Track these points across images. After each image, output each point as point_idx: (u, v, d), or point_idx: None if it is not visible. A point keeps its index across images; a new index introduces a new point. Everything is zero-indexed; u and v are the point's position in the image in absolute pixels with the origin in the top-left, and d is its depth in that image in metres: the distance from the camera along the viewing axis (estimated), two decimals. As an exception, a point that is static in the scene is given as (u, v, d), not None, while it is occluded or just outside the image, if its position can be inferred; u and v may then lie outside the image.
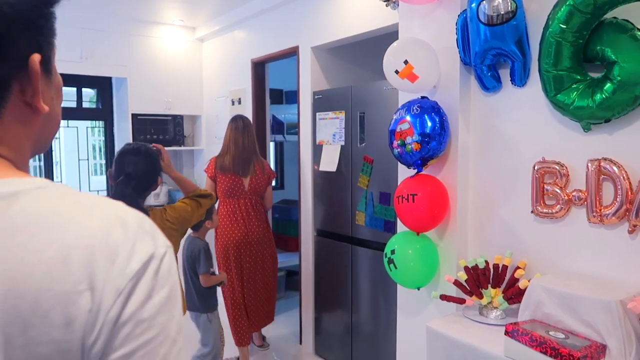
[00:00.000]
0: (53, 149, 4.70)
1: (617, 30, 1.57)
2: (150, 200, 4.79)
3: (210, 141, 5.00)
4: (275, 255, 3.60)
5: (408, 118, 2.02)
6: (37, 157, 4.74)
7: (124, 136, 4.77)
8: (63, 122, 4.84)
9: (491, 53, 1.88)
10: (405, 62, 2.00)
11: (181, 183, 2.44)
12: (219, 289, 3.20)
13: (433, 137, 1.98)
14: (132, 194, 2.01)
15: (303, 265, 3.71)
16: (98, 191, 5.07)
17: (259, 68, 4.25)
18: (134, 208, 0.61)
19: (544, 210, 1.80)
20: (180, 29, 4.91)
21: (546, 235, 1.83)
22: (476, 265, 1.91)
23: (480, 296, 1.88)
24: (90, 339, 0.52)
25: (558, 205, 1.76)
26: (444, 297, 1.95)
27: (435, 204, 2.03)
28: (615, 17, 1.58)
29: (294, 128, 4.93)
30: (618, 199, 1.58)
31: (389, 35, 2.70)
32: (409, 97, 2.15)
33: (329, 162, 3.30)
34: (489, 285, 1.88)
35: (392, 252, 2.10)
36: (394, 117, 2.10)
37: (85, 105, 4.98)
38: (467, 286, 1.91)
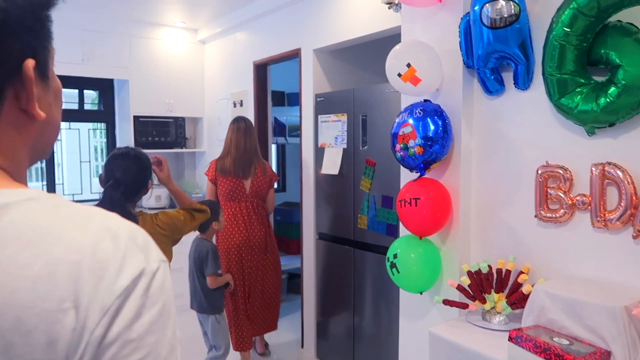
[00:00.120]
0: (55, 150, 4.69)
1: (621, 33, 1.55)
2: (152, 202, 4.79)
3: (211, 143, 5.00)
4: (278, 261, 3.53)
5: (411, 121, 2.01)
6: (38, 159, 4.74)
7: (125, 138, 4.77)
8: (65, 124, 4.84)
9: (494, 56, 1.87)
10: (408, 65, 1.99)
11: (178, 197, 2.39)
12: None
13: (436, 140, 1.97)
14: (121, 199, 1.98)
15: (305, 269, 3.70)
16: (99, 193, 5.06)
17: (261, 70, 4.25)
18: (122, 213, 0.58)
19: (548, 215, 1.79)
20: (182, 30, 4.91)
21: (550, 239, 1.81)
22: (479, 269, 1.90)
23: (484, 301, 1.86)
24: (73, 359, 0.50)
25: (562, 210, 1.75)
26: (446, 302, 1.93)
27: (437, 208, 2.02)
28: (619, 21, 1.57)
29: (296, 130, 4.93)
30: (622, 204, 1.57)
31: (392, 38, 2.69)
32: (412, 100, 2.14)
33: (331, 165, 3.28)
34: (492, 290, 1.87)
35: (395, 256, 2.09)
36: (397, 120, 2.09)
37: (87, 107, 4.98)
38: (470, 291, 1.89)
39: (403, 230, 2.28)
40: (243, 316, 3.37)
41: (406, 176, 2.24)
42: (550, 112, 1.79)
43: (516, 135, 1.92)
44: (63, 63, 4.17)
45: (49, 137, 0.65)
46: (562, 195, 1.74)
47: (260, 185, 3.37)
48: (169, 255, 2.26)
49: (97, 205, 1.52)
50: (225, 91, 4.69)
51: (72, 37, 4.27)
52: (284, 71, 4.64)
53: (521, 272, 1.83)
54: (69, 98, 4.87)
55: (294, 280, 4.87)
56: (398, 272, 2.07)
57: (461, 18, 1.99)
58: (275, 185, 4.66)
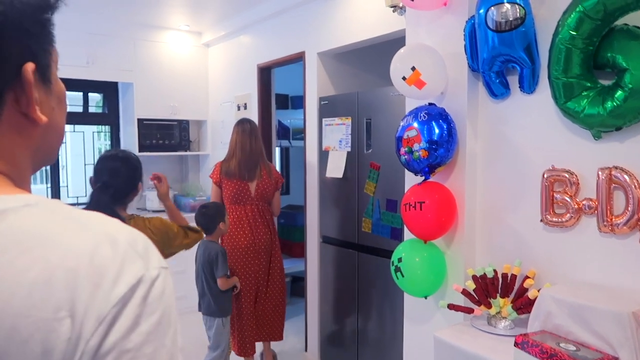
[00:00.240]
0: (59, 153, 4.70)
1: (628, 37, 1.54)
2: (156, 204, 4.79)
3: (215, 146, 5.00)
4: (282, 266, 3.50)
5: (415, 125, 2.00)
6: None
7: (130, 141, 4.78)
8: (69, 127, 4.86)
9: (499, 59, 1.86)
10: (413, 68, 1.98)
11: (173, 215, 2.34)
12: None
13: (441, 144, 1.96)
14: (109, 202, 1.94)
15: (309, 272, 3.69)
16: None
17: (265, 73, 4.25)
18: (110, 216, 0.57)
19: (554, 219, 1.78)
20: (186, 34, 4.92)
21: (556, 244, 1.80)
22: (484, 274, 1.88)
23: (489, 306, 1.85)
24: None
25: (568, 214, 1.73)
26: (452, 307, 1.92)
27: (442, 212, 2.01)
28: (626, 24, 1.56)
29: (300, 133, 4.93)
30: (629, 209, 1.56)
31: (396, 41, 2.68)
32: (416, 104, 2.14)
33: (335, 168, 3.28)
34: (498, 295, 1.86)
35: (399, 260, 2.08)
36: (401, 123, 2.09)
37: (91, 109, 5.00)
38: (475, 295, 1.88)
39: (407, 234, 2.27)
40: (247, 320, 3.33)
41: (411, 180, 2.23)
42: (556, 116, 1.78)
43: (522, 139, 1.91)
44: (67, 66, 4.19)
45: (52, 142, 0.64)
46: (568, 200, 1.73)
47: (266, 188, 3.33)
48: None
49: (85, 209, 1.51)
50: (229, 94, 4.70)
51: (76, 40, 4.28)
52: (287, 74, 4.64)
53: (527, 277, 1.81)
54: (74, 101, 4.89)
55: (298, 283, 4.86)
56: (403, 276, 2.06)
57: (466, 21, 1.98)
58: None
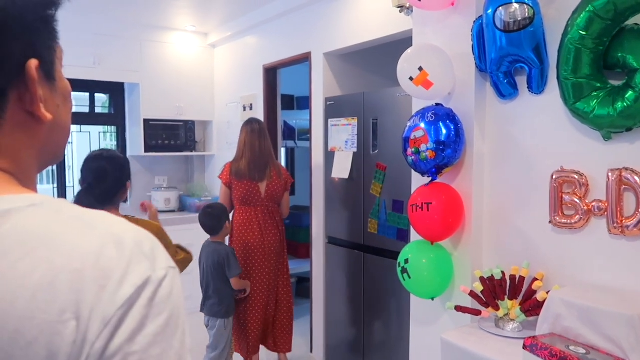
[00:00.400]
0: (65, 153, 4.71)
1: (638, 37, 1.53)
2: (161, 205, 4.80)
3: (221, 147, 5.00)
4: (287, 269, 3.44)
5: (422, 125, 1.99)
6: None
7: (136, 141, 4.79)
8: (75, 127, 4.87)
9: (508, 60, 1.84)
10: (420, 68, 1.97)
11: (160, 236, 2.30)
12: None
13: (448, 144, 1.95)
14: (94, 204, 1.89)
15: (314, 273, 3.68)
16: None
17: (271, 74, 4.25)
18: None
19: (563, 221, 1.76)
20: (192, 34, 4.92)
21: (565, 246, 1.78)
22: (492, 276, 1.87)
23: (497, 308, 1.84)
24: None
25: (577, 216, 1.72)
26: (459, 309, 1.91)
27: (450, 213, 2.00)
28: (636, 24, 1.54)
29: (306, 134, 4.92)
30: (640, 210, 1.54)
31: (402, 42, 2.67)
32: (423, 104, 2.13)
33: (341, 168, 3.27)
34: (506, 297, 1.84)
35: (406, 261, 2.07)
36: (408, 124, 2.08)
37: (97, 110, 5.01)
38: (483, 297, 1.87)
39: (414, 235, 2.26)
40: (254, 324, 3.25)
41: (417, 181, 2.22)
42: (565, 117, 1.77)
43: (530, 139, 1.90)
44: (74, 67, 4.20)
45: (58, 140, 0.63)
46: (578, 201, 1.71)
47: (276, 189, 3.28)
48: None
49: None
50: (235, 95, 4.70)
51: (83, 41, 4.29)
52: (293, 75, 4.63)
53: (535, 279, 1.80)
54: (80, 101, 4.90)
55: (303, 284, 4.85)
56: (409, 277, 2.05)
57: (474, 21, 1.97)
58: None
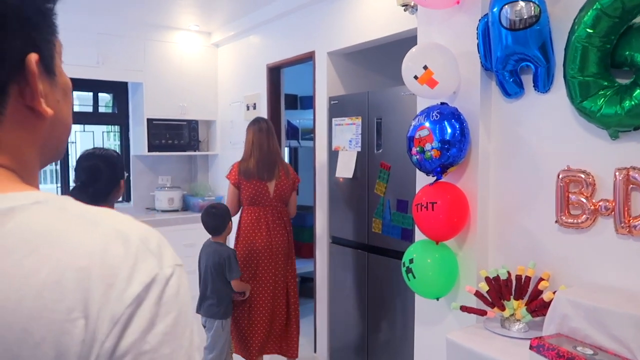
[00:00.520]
0: (69, 153, 4.72)
1: (647, 35, 1.51)
2: (165, 205, 4.80)
3: (224, 146, 5.00)
4: (295, 271, 3.37)
5: (427, 124, 1.98)
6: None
7: (139, 141, 4.79)
8: (79, 127, 4.87)
9: (513, 58, 1.83)
10: (425, 67, 1.96)
11: None
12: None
13: (453, 144, 1.93)
14: (88, 203, 1.87)
15: (318, 273, 3.67)
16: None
17: (274, 73, 4.24)
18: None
19: (569, 220, 1.75)
20: (195, 34, 4.92)
21: (571, 246, 1.77)
22: (498, 276, 1.86)
23: (502, 308, 1.83)
24: None
25: (584, 215, 1.70)
26: (464, 309, 1.90)
27: (455, 213, 1.99)
28: (644, 22, 1.53)
29: (309, 133, 4.91)
30: (648, 210, 1.53)
31: (407, 41, 2.66)
32: (428, 103, 2.11)
33: (345, 168, 3.26)
34: (512, 297, 1.83)
35: (411, 261, 2.06)
36: (413, 123, 2.07)
37: (101, 109, 5.01)
38: (488, 297, 1.86)
39: (418, 235, 2.25)
40: (260, 326, 3.19)
41: (422, 180, 2.21)
42: (571, 115, 1.75)
43: (536, 138, 1.88)
44: (78, 66, 4.20)
45: (59, 136, 0.63)
46: (584, 201, 1.70)
47: (284, 188, 3.23)
48: None
49: None
50: (238, 94, 4.69)
51: (86, 40, 4.30)
52: (296, 75, 4.62)
53: (541, 279, 1.79)
54: (84, 101, 4.91)
55: (307, 284, 4.84)
56: (414, 277, 2.04)
57: (479, 20, 1.96)
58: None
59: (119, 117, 5.00)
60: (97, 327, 0.47)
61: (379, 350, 3.08)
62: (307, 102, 5.12)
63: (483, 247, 2.06)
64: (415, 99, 2.37)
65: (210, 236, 3.02)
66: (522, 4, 1.73)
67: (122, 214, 0.56)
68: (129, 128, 4.99)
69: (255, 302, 3.18)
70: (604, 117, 1.60)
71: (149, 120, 4.67)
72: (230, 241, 3.25)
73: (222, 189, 5.04)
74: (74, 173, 2.02)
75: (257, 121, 3.27)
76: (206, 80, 5.00)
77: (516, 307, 1.81)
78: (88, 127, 4.93)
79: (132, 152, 4.95)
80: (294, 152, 5.73)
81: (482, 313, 1.87)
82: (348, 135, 3.25)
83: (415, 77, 1.99)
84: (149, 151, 4.69)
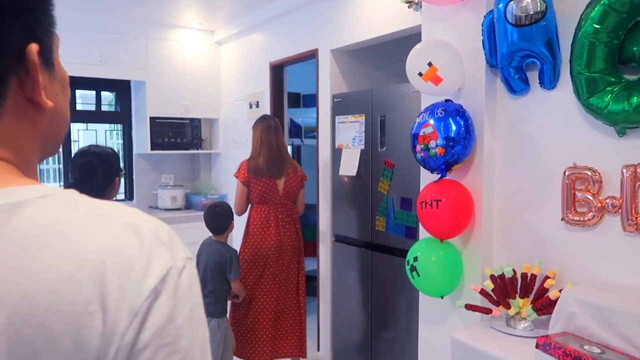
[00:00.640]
0: (72, 151, 4.72)
1: (654, 30, 1.50)
2: (168, 203, 4.80)
3: (227, 144, 4.99)
4: (304, 271, 3.33)
5: (432, 122, 1.97)
6: (55, 159, 4.78)
7: (142, 139, 4.78)
8: (82, 125, 4.87)
9: (519, 55, 1.82)
10: (429, 64, 1.94)
11: None
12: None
13: (458, 141, 1.92)
14: None
15: (321, 271, 3.66)
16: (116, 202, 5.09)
17: (277, 71, 4.23)
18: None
19: (575, 218, 1.73)
20: (198, 32, 4.91)
21: (577, 243, 1.75)
22: (503, 274, 1.84)
23: (508, 306, 1.81)
24: None
25: (590, 213, 1.69)
26: (469, 307, 1.88)
27: (459, 210, 1.97)
28: (652, 17, 1.51)
29: (312, 132, 4.91)
30: (655, 207, 1.51)
31: (411, 38, 2.65)
32: (432, 100, 2.10)
33: (349, 166, 3.24)
34: (517, 295, 1.82)
35: (415, 259, 2.05)
36: (417, 120, 2.05)
37: (104, 108, 5.01)
38: (493, 296, 1.84)
39: (422, 233, 2.23)
40: (264, 327, 3.15)
41: (426, 178, 2.20)
42: (577, 112, 1.74)
43: (541, 135, 1.87)
44: (80, 64, 4.20)
45: (58, 129, 0.62)
46: (591, 198, 1.68)
47: (293, 186, 3.20)
48: None
49: None
50: (241, 92, 4.68)
51: (89, 39, 4.29)
52: (299, 73, 4.61)
53: (547, 277, 1.77)
54: (86, 99, 4.90)
55: (310, 282, 4.81)
56: (418, 275, 2.03)
57: (484, 16, 1.94)
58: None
59: (122, 116, 4.99)
60: (115, 320, 0.47)
61: (383, 349, 3.07)
62: (310, 101, 5.11)
63: (488, 245, 2.04)
64: (419, 96, 2.35)
65: (210, 234, 3.01)
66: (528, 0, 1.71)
67: (130, 207, 0.55)
68: (132, 126, 4.98)
69: (260, 303, 3.14)
70: (611, 114, 1.58)
71: (152, 119, 4.66)
72: (233, 240, 3.24)
73: (225, 187, 5.03)
74: (69, 171, 2.01)
75: (264, 118, 3.24)
76: (209, 79, 4.99)
77: (522, 305, 1.80)
78: (91, 126, 4.92)
79: (135, 151, 4.94)
80: (296, 151, 5.72)
81: (487, 311, 1.86)
82: (351, 133, 3.24)
83: (420, 74, 1.97)
84: (151, 149, 4.69)
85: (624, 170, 1.58)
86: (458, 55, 2.00)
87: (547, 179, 1.84)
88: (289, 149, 5.01)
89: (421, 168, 2.21)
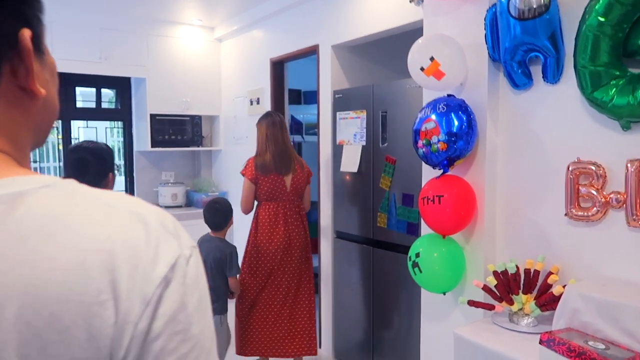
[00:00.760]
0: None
1: (659, 23, 1.48)
2: (168, 200, 4.79)
3: (228, 142, 4.98)
4: (312, 268, 3.27)
5: (434, 117, 1.95)
6: (56, 157, 4.77)
7: (142, 136, 4.77)
8: (82, 123, 4.86)
9: (522, 49, 1.80)
10: (432, 58, 1.93)
11: None
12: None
13: (460, 136, 1.90)
14: None
15: (322, 268, 3.65)
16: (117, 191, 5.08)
17: (278, 67, 4.21)
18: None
19: (579, 213, 1.72)
20: (198, 28, 4.89)
21: (581, 239, 1.74)
22: (506, 270, 1.83)
23: (511, 302, 1.80)
24: (118, 355, 0.46)
25: (594, 208, 1.67)
26: (472, 303, 1.87)
27: (462, 206, 1.96)
28: (657, 9, 1.49)
29: (312, 128, 4.89)
30: (660, 202, 1.50)
31: (412, 33, 2.63)
32: (434, 96, 2.08)
33: (350, 162, 3.23)
34: (520, 291, 1.81)
35: (417, 255, 2.03)
36: (419, 115, 2.04)
37: (104, 105, 4.99)
38: (496, 292, 1.83)
39: (424, 229, 2.22)
40: (266, 327, 3.11)
41: (428, 173, 2.18)
42: (581, 106, 1.72)
43: (545, 130, 1.85)
44: (81, 62, 4.19)
45: (49, 118, 0.61)
46: (595, 193, 1.67)
47: (300, 182, 3.16)
48: None
49: None
50: (242, 89, 4.67)
51: (89, 36, 4.28)
52: (300, 70, 4.59)
53: (550, 273, 1.76)
54: (87, 97, 4.89)
55: (311, 279, 4.82)
56: (421, 271, 2.01)
57: (487, 10, 1.93)
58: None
59: (122, 113, 4.98)
60: (128, 309, 0.46)
61: (385, 345, 3.06)
62: (311, 97, 5.09)
63: (491, 241, 2.03)
64: (421, 92, 2.34)
65: (209, 230, 3.00)
66: (531, -7, 1.69)
67: (132, 197, 0.55)
68: (132, 124, 4.97)
69: (267, 302, 3.11)
70: (615, 108, 1.56)
71: (152, 116, 4.65)
72: (236, 238, 3.22)
73: (225, 184, 5.02)
74: (64, 167, 2.00)
75: (269, 115, 3.20)
76: (209, 75, 4.98)
77: (525, 301, 1.78)
78: (91, 123, 4.91)
79: (135, 148, 4.93)
80: (298, 148, 5.70)
81: (490, 307, 1.85)
82: (353, 129, 3.23)
83: (422, 69, 1.96)
84: (152, 147, 4.67)
85: (629, 165, 1.57)
86: (460, 49, 1.98)
87: (551, 174, 1.83)
88: (290, 145, 4.99)
89: (423, 164, 2.20)
